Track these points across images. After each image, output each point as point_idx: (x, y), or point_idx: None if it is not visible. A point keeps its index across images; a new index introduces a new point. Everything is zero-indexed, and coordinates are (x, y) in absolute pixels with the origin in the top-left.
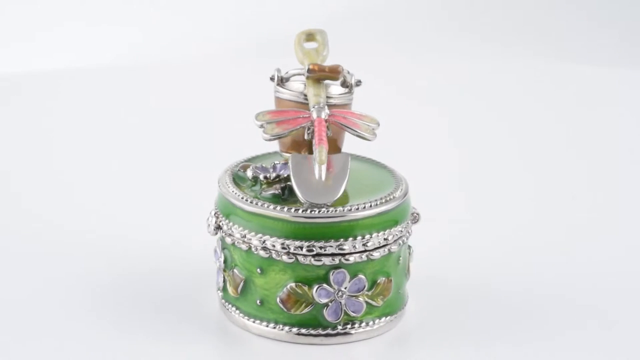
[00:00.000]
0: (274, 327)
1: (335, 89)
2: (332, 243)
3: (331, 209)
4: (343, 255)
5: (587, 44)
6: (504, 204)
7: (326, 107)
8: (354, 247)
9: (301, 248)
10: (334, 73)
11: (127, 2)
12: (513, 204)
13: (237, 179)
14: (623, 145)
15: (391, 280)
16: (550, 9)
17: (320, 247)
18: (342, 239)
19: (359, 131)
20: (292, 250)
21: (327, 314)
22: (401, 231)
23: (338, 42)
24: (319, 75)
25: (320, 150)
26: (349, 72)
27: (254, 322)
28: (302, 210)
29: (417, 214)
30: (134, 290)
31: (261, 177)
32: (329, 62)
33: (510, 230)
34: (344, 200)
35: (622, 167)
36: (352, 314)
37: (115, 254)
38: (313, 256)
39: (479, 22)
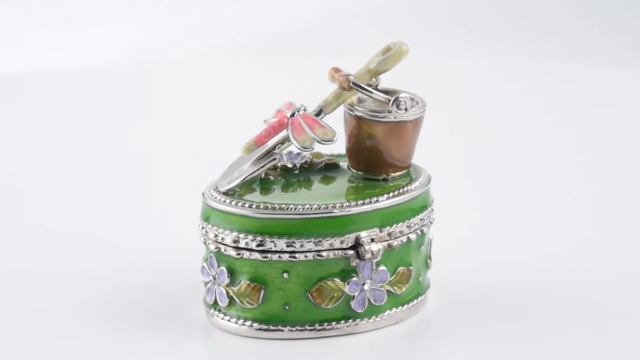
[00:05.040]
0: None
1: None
2: (210, 227)
3: (230, 200)
4: (217, 242)
5: (587, 44)
6: (505, 203)
7: (302, 110)
8: (223, 239)
9: (201, 226)
10: (341, 81)
11: (127, 2)
12: (514, 203)
13: None
14: (623, 145)
15: (261, 288)
16: (550, 9)
17: (205, 227)
18: (215, 226)
19: (296, 139)
20: (201, 226)
21: (206, 293)
22: (294, 243)
23: (338, 42)
24: (331, 78)
25: (248, 142)
26: (376, 89)
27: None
28: (225, 199)
29: (363, 249)
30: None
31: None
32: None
33: (514, 230)
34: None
35: (623, 166)
36: (218, 302)
37: (111, 258)
38: (203, 235)
39: (479, 21)
